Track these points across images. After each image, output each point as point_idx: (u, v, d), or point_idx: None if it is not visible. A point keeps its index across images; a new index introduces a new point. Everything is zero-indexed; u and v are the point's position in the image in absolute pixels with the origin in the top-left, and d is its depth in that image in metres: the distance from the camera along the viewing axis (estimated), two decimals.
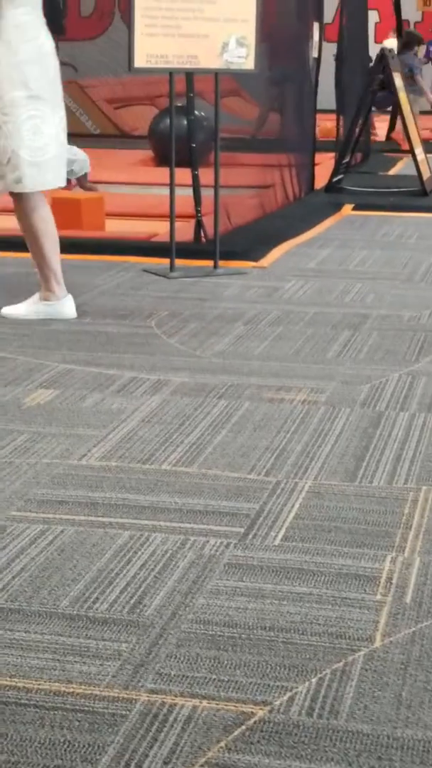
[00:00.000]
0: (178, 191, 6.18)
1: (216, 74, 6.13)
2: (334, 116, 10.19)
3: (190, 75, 6.74)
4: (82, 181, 9.17)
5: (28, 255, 5.33)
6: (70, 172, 9.16)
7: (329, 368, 4.41)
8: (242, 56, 5.96)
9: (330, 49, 10.13)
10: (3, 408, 3.89)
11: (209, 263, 6.34)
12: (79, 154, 9.28)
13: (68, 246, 6.78)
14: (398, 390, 4.13)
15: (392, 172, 11.09)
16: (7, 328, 5.00)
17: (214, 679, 2.22)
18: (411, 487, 3.21)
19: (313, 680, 2.22)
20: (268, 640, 2.37)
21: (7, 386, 4.14)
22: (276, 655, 2.31)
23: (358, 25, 10.86)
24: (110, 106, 14.51)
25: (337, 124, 10.01)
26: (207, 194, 6.65)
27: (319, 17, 9.61)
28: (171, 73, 6.08)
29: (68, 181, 9.46)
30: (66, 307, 5.17)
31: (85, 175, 9.23)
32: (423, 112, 12.94)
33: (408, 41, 13.19)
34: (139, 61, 5.84)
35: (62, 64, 5.34)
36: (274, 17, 8.52)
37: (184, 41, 5.87)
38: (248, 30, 5.95)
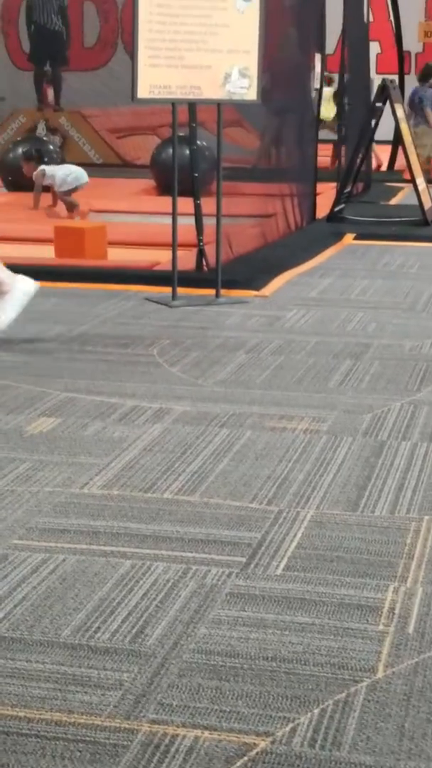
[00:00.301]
0: (180, 220, 6.21)
1: (219, 105, 6.17)
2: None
3: (192, 105, 6.79)
4: (64, 195, 9.30)
5: None
6: (63, 183, 9.34)
7: (331, 397, 4.41)
8: (245, 87, 6.00)
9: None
10: (5, 436, 3.89)
11: (211, 292, 6.35)
12: (74, 170, 9.41)
13: (71, 274, 6.83)
14: (400, 419, 4.13)
15: (393, 201, 11.13)
16: (10, 356, 5.00)
17: (216, 710, 2.21)
18: (413, 517, 3.21)
19: (316, 711, 2.21)
20: (270, 671, 2.36)
21: (9, 414, 4.14)
22: (278, 686, 2.30)
23: (359, 56, 10.93)
24: (113, 136, 14.58)
25: (336, 154, 10.05)
26: (209, 223, 6.68)
27: (321, 48, 9.68)
28: (174, 103, 6.12)
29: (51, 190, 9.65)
30: (22, 284, 5.17)
31: (75, 189, 9.35)
32: None
33: (427, 73, 13.19)
34: (143, 92, 5.88)
35: None
36: (276, 49, 8.58)
37: (187, 72, 5.90)
38: (251, 61, 5.99)
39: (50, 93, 14.90)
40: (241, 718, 2.19)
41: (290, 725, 2.16)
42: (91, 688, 2.28)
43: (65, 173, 9.51)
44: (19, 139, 12.63)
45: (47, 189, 9.70)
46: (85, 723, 2.16)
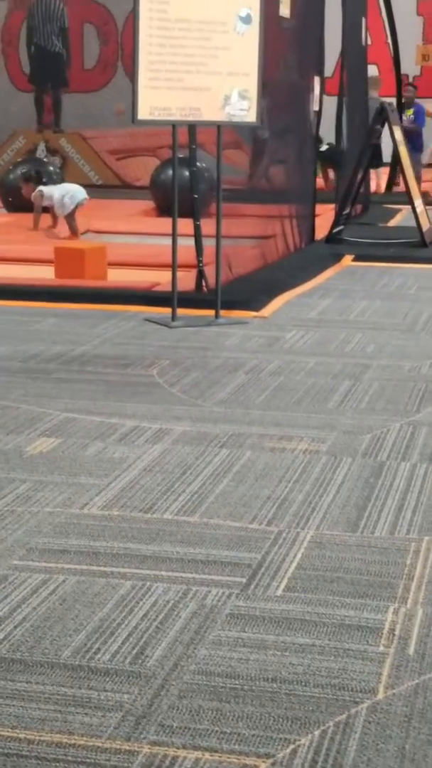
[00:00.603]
0: (179, 241, 6.23)
1: (218, 126, 6.20)
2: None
3: (192, 127, 6.82)
4: (69, 219, 9.34)
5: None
6: (61, 204, 9.39)
7: (330, 418, 4.41)
8: (244, 109, 6.03)
9: (331, 102, 10.23)
10: (5, 456, 3.89)
11: (211, 313, 6.37)
12: (70, 188, 9.47)
13: (71, 295, 6.84)
14: (399, 440, 4.13)
15: (392, 223, 11.17)
16: (10, 376, 5.01)
17: (217, 731, 2.21)
18: (413, 538, 3.21)
19: (316, 732, 2.21)
20: (270, 692, 2.36)
21: (9, 434, 4.14)
22: (279, 707, 2.30)
23: (358, 78, 10.99)
24: (113, 157, 14.63)
25: (326, 175, 10.07)
26: (208, 244, 6.70)
27: (320, 71, 9.72)
28: (174, 125, 6.14)
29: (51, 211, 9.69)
30: None
31: (76, 207, 9.39)
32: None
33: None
34: (143, 114, 5.91)
35: None
36: (275, 71, 8.62)
37: (187, 94, 5.94)
38: (250, 83, 6.02)
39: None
40: (241, 740, 2.18)
41: (291, 747, 2.16)
42: (92, 710, 2.28)
43: (62, 193, 9.56)
44: (19, 160, 12.67)
45: (46, 209, 9.73)
46: (85, 744, 2.16)
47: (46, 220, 9.82)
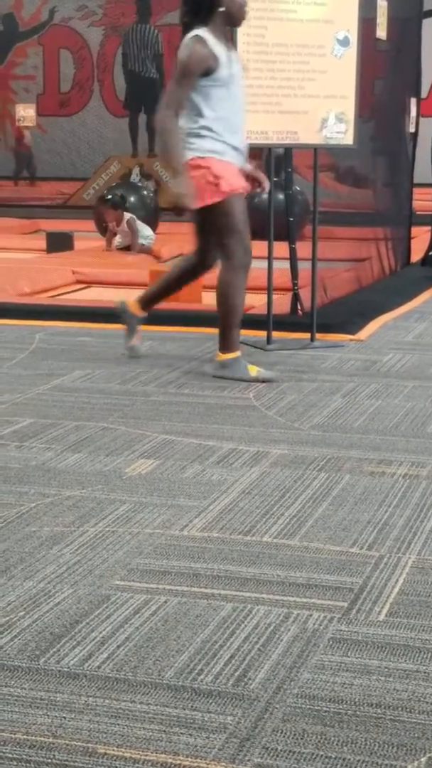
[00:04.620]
0: (275, 264, 6.23)
1: (315, 149, 6.20)
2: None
3: (288, 150, 6.84)
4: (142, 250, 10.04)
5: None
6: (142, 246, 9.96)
7: (430, 442, 4.37)
8: (341, 132, 6.03)
9: (427, 124, 10.19)
10: (105, 478, 3.92)
11: (306, 336, 6.36)
12: (149, 234, 9.94)
13: (167, 318, 6.89)
14: None
15: None
16: (108, 398, 5.06)
17: (322, 756, 2.19)
18: None
19: (423, 759, 2.18)
20: (375, 717, 2.33)
21: (109, 456, 4.18)
22: (384, 733, 2.28)
23: None
24: None
25: None
26: (303, 267, 6.70)
27: (416, 92, 9.69)
28: (270, 149, 6.17)
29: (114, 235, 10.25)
30: None
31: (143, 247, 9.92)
32: None
33: None
34: None
35: None
36: (372, 93, 8.61)
37: (285, 117, 5.95)
38: (347, 106, 6.02)
39: None
40: (347, 765, 2.16)
41: None
42: (196, 731, 2.28)
43: (148, 234, 10.29)
44: (113, 185, 12.81)
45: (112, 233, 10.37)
46: (190, 765, 2.16)
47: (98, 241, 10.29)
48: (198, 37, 5.18)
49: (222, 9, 5.21)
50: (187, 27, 5.27)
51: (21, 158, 17.29)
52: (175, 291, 5.92)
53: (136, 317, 5.88)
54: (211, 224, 5.41)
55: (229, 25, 5.35)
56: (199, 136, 5.25)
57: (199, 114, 5.24)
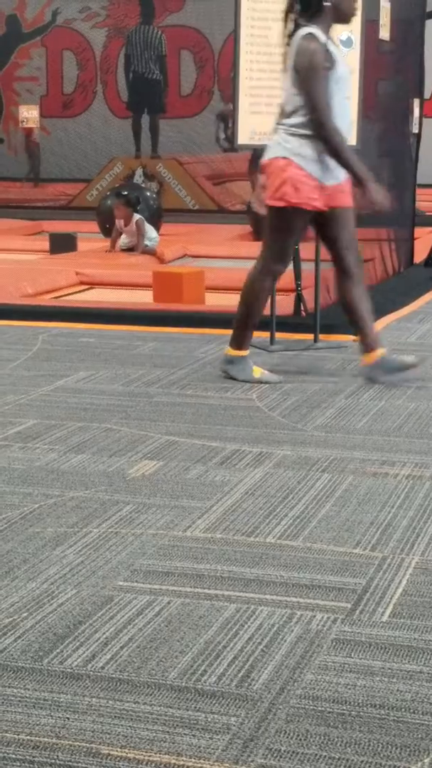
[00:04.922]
0: None
1: None
2: None
3: None
4: (145, 250, 10.07)
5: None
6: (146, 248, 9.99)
7: None
8: None
9: (430, 125, 10.19)
10: (108, 479, 3.93)
11: (309, 337, 6.36)
12: (155, 236, 9.96)
13: (170, 319, 6.90)
14: None
15: None
16: (111, 399, 5.06)
17: (325, 756, 2.19)
18: None
19: (426, 760, 2.18)
20: (378, 718, 2.33)
21: (112, 457, 4.18)
22: (387, 734, 2.27)
23: None
24: (209, 182, 14.73)
25: None
26: (307, 268, 6.69)
27: (420, 93, 9.69)
28: None
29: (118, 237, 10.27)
30: None
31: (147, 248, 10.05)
32: None
33: None
34: (243, 138, 5.94)
35: None
36: (375, 94, 8.61)
37: None
38: (350, 107, 6.00)
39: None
40: (350, 766, 2.16)
41: None
42: (200, 731, 2.28)
43: (153, 236, 10.23)
44: (116, 185, 12.82)
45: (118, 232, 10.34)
46: (194, 766, 2.16)
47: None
48: (311, 35, 5.02)
49: (328, 4, 5.01)
50: (296, 25, 5.09)
51: (33, 156, 17.23)
52: (363, 307, 5.54)
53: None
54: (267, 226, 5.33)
55: (338, 21, 5.16)
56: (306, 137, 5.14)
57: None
